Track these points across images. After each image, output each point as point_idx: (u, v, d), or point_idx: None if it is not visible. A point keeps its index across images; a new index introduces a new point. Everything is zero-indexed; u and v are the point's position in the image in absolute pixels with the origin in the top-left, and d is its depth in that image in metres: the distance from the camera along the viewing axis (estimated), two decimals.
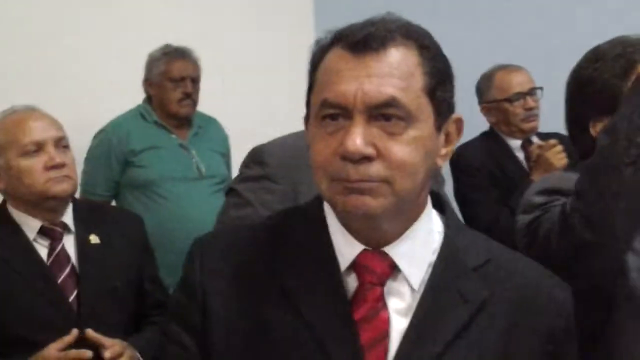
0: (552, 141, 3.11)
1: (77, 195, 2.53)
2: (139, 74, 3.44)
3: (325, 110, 1.11)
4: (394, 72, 1.10)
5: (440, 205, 1.23)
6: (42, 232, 2.28)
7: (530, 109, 3.28)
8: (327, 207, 1.19)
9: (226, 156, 3.57)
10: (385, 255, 1.15)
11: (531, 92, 3.29)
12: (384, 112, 1.09)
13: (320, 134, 1.12)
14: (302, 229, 1.20)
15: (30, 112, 2.32)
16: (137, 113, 3.42)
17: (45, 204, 2.26)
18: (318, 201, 1.21)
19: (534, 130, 3.32)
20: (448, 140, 1.18)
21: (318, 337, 1.11)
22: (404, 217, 1.16)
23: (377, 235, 1.15)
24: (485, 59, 3.46)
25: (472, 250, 1.20)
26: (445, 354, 1.12)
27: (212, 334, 1.16)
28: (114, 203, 3.37)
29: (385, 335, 1.13)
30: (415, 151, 1.10)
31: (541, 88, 3.30)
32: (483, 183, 3.26)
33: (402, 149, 1.09)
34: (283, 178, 1.77)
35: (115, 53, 3.67)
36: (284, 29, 4.22)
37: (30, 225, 2.28)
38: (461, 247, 1.20)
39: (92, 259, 2.29)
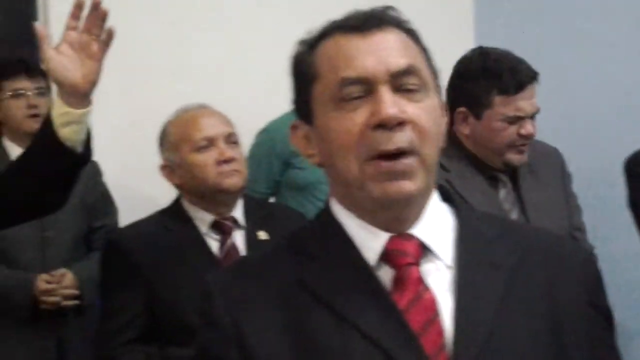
0: None
1: None
2: None
3: (346, 89, 1.11)
4: (401, 45, 1.14)
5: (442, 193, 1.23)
6: (214, 226, 2.34)
7: None
8: (337, 208, 1.18)
9: None
10: (411, 237, 1.14)
11: None
12: (405, 81, 1.11)
13: (340, 117, 1.11)
14: (318, 237, 1.17)
15: (202, 109, 2.40)
16: None
17: (216, 198, 2.32)
18: (325, 207, 1.19)
19: None
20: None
21: (368, 336, 1.07)
22: (424, 199, 1.16)
23: (399, 221, 1.14)
24: None
25: (487, 223, 1.22)
26: (498, 324, 1.10)
27: None
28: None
29: (435, 315, 1.10)
30: (434, 119, 1.14)
31: None
32: None
33: (426, 115, 1.12)
34: None
35: (281, 52, 3.72)
36: (444, 36, 4.16)
37: (203, 219, 2.34)
38: (477, 221, 1.21)
39: None
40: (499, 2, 4.13)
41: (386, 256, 1.13)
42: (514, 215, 2.31)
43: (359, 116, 1.10)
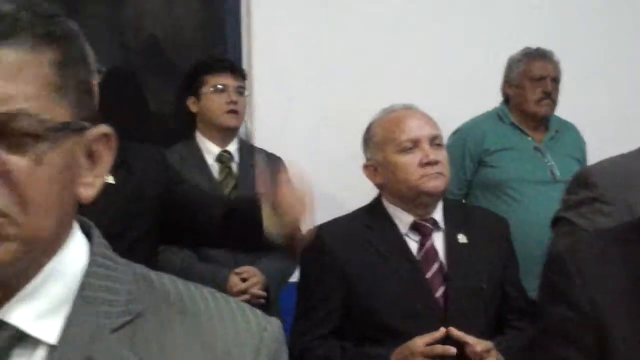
0: None
1: None
2: (497, 77, 3.45)
3: None
4: None
5: None
6: (414, 227, 2.33)
7: None
8: None
9: (582, 162, 3.47)
10: None
11: None
12: None
13: None
14: None
15: (408, 110, 2.40)
16: (494, 114, 3.46)
17: (418, 200, 2.32)
18: None
19: None
20: None
21: None
22: None
23: None
24: None
25: None
26: None
27: (612, 355, 1.06)
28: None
29: None
30: None
31: None
32: None
33: None
34: (615, 199, 1.67)
35: (476, 56, 3.72)
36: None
37: (403, 219, 2.34)
38: None
39: (459, 258, 2.32)
40: None
41: None
42: None
43: None
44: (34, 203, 0.77)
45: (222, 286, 2.90)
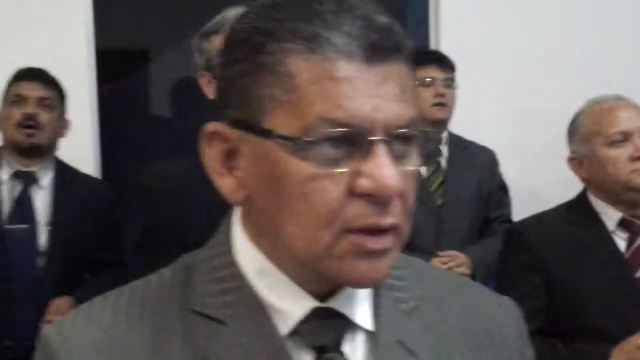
0: None
1: None
2: None
3: None
4: None
5: None
6: (622, 224, 2.23)
7: None
8: None
9: None
10: None
11: None
12: None
13: None
14: None
15: (619, 101, 2.28)
16: None
17: (627, 196, 2.21)
18: None
19: None
20: None
21: None
22: None
23: None
24: None
25: None
26: None
27: None
28: None
29: None
30: None
31: None
32: None
33: None
34: None
35: None
36: None
37: (610, 215, 2.24)
38: None
39: None
40: None
41: None
42: None
43: None
44: (410, 213, 0.80)
45: None
